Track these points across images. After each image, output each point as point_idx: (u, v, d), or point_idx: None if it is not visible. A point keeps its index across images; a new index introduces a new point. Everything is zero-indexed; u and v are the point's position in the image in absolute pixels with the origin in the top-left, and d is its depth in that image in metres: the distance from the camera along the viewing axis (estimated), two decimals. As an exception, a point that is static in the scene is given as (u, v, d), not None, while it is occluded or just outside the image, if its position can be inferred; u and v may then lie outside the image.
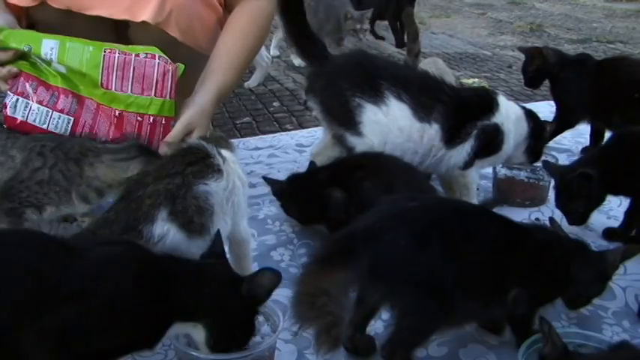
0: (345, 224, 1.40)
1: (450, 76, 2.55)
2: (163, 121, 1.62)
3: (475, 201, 1.87)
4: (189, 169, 1.24)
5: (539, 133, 1.86)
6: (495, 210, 1.33)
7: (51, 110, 1.54)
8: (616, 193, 1.75)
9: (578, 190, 1.61)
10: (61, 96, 1.55)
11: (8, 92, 1.53)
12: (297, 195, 1.71)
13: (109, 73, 1.56)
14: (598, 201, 1.66)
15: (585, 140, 2.46)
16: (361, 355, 1.25)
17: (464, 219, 1.18)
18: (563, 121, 2.35)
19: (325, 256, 1.07)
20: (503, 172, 1.99)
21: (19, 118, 1.52)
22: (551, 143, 2.45)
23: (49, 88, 1.54)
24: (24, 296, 0.95)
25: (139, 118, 1.60)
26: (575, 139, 2.52)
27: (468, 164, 1.79)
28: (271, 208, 1.90)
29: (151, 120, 1.60)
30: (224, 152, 1.35)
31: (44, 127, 1.54)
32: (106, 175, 1.47)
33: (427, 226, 1.12)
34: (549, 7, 6.02)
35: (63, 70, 1.55)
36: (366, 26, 3.67)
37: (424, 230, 1.11)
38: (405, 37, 2.94)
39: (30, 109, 1.53)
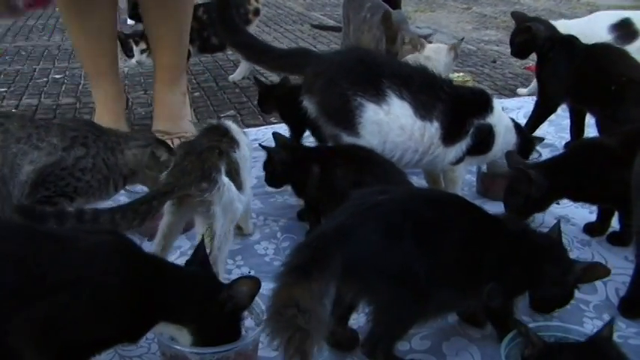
0: (314, 203, 1.67)
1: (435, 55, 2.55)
2: None
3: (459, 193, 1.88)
4: (224, 140, 1.48)
5: (528, 148, 1.89)
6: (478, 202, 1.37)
7: None
8: (576, 200, 1.76)
9: (520, 187, 1.62)
10: None
11: None
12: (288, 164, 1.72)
13: None
14: (540, 203, 1.65)
15: (567, 135, 2.47)
16: (344, 349, 1.25)
17: (436, 209, 1.18)
18: (544, 103, 2.36)
19: (298, 265, 1.05)
20: (486, 167, 1.99)
21: None
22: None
23: None
24: (9, 286, 0.94)
25: None
26: (559, 134, 2.53)
27: (459, 160, 1.79)
28: (255, 201, 1.90)
29: None
30: (232, 126, 1.59)
31: None
32: (132, 162, 1.59)
33: (398, 219, 1.12)
34: (533, 2, 6.03)
35: None
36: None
37: (395, 223, 1.11)
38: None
39: None
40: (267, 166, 1.75)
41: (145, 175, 1.65)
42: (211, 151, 1.40)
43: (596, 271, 1.26)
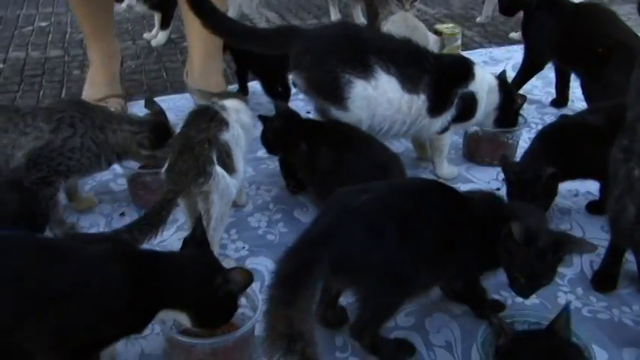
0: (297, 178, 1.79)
1: (422, 30, 2.55)
2: None
3: (445, 161, 1.95)
4: (212, 124, 1.50)
5: (508, 104, 1.90)
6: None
7: None
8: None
9: (541, 187, 1.60)
10: None
11: None
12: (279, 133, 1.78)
13: None
14: (555, 194, 1.66)
15: (555, 90, 2.50)
16: (334, 327, 1.34)
17: (413, 201, 1.23)
18: (531, 62, 2.37)
19: (287, 275, 1.10)
20: (473, 130, 2.03)
21: None
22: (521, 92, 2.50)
23: None
24: (19, 296, 1.01)
25: None
26: (546, 89, 2.56)
27: (445, 130, 1.84)
28: (247, 168, 1.94)
29: None
30: (228, 102, 1.63)
31: None
32: (123, 141, 1.66)
33: (380, 218, 1.18)
34: None
35: None
36: None
37: (377, 223, 1.17)
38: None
39: None
40: (262, 133, 1.81)
41: (135, 157, 1.71)
42: (202, 145, 1.44)
43: (576, 246, 1.28)
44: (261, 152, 1.94)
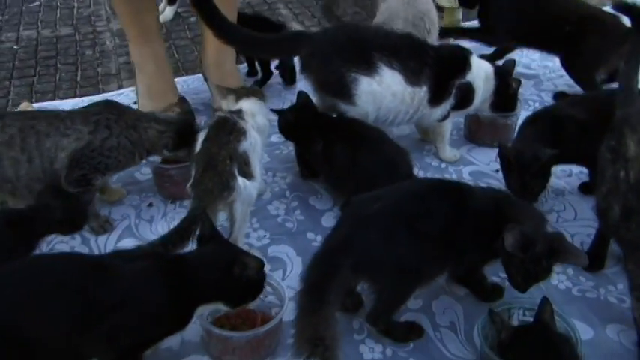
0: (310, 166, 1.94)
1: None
2: None
3: (447, 145, 2.08)
4: (232, 137, 1.62)
5: (503, 90, 2.01)
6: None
7: None
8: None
9: (539, 169, 1.70)
10: None
11: None
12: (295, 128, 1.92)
13: None
14: (550, 175, 1.77)
15: (553, 64, 2.60)
16: (351, 312, 1.51)
17: (420, 204, 1.38)
18: (488, 41, 2.49)
19: (313, 284, 1.27)
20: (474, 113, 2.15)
21: None
22: (520, 69, 2.61)
23: None
24: (78, 309, 1.17)
25: None
26: (544, 62, 2.66)
27: (445, 117, 1.97)
28: (263, 155, 2.08)
29: None
30: (244, 105, 1.77)
31: None
32: (153, 138, 1.78)
33: (391, 222, 1.34)
34: None
35: None
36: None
37: (389, 227, 1.33)
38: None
39: None
40: (278, 123, 1.95)
41: (158, 154, 1.85)
42: (224, 162, 1.55)
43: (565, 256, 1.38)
44: (275, 137, 2.08)
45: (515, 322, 1.38)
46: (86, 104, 2.43)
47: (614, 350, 1.42)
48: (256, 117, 1.75)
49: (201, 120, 2.31)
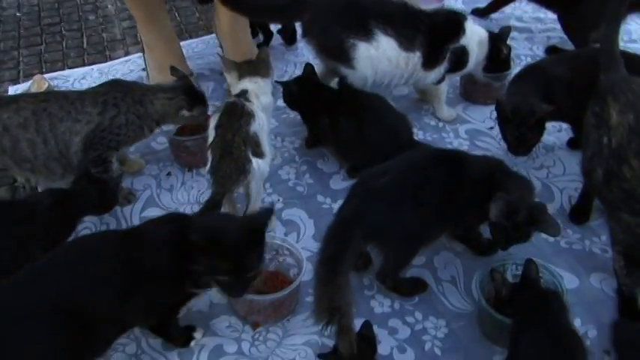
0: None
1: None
2: None
3: (444, 105, 2.20)
4: (242, 120, 1.72)
5: (495, 54, 2.11)
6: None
7: None
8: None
9: (534, 123, 1.81)
10: None
11: None
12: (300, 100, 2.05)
13: None
14: (544, 128, 1.88)
15: (545, 16, 2.68)
16: (361, 270, 1.67)
17: (422, 175, 1.52)
18: None
19: (329, 257, 1.41)
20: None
21: None
22: (512, 21, 2.69)
23: None
24: (119, 282, 1.31)
25: None
26: (536, 14, 2.73)
27: (440, 80, 2.09)
28: (271, 120, 2.18)
29: None
30: (249, 85, 1.86)
31: None
32: (161, 109, 1.88)
33: (397, 193, 1.48)
34: None
35: None
36: None
37: (396, 198, 1.48)
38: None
39: None
40: (283, 94, 2.08)
41: (174, 120, 1.95)
42: (239, 148, 1.66)
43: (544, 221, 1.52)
44: (281, 102, 2.17)
45: (509, 277, 1.54)
46: (95, 72, 2.58)
47: (596, 297, 1.60)
48: (260, 97, 1.84)
49: (208, 86, 2.44)
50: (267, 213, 1.42)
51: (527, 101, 1.81)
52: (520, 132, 1.84)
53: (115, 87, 1.87)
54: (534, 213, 1.49)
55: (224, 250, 1.31)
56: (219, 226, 1.35)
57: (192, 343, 1.51)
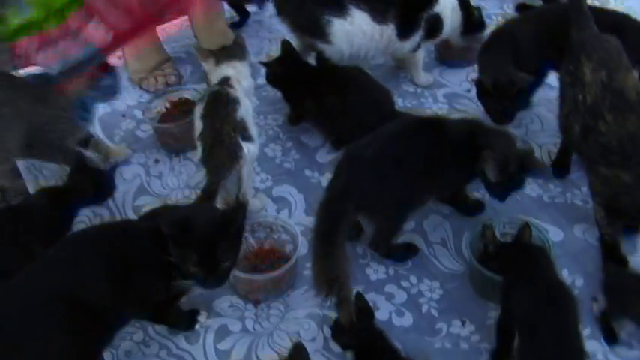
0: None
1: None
2: None
3: (421, 71, 2.23)
4: (229, 107, 1.73)
5: (467, 17, 2.14)
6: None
7: None
8: None
9: (515, 94, 1.85)
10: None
11: None
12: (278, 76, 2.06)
13: None
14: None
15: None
16: (354, 240, 1.72)
17: (405, 144, 1.57)
18: None
19: (324, 231, 1.46)
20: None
21: None
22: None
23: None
24: (113, 275, 1.33)
25: None
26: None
27: (416, 48, 2.12)
28: (252, 98, 2.19)
29: None
30: (230, 70, 1.86)
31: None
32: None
33: (383, 164, 1.53)
34: None
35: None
36: None
37: (382, 169, 1.53)
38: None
39: None
40: (266, 75, 2.09)
41: None
42: (229, 135, 1.67)
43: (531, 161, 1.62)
44: (261, 80, 2.18)
45: (497, 235, 1.59)
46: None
47: (581, 247, 1.67)
48: (242, 82, 1.86)
49: (186, 69, 2.44)
50: (243, 210, 1.46)
51: (506, 73, 1.85)
52: (502, 104, 1.89)
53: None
54: (524, 160, 1.56)
55: (190, 240, 1.33)
56: (187, 217, 1.36)
57: (197, 326, 1.56)
